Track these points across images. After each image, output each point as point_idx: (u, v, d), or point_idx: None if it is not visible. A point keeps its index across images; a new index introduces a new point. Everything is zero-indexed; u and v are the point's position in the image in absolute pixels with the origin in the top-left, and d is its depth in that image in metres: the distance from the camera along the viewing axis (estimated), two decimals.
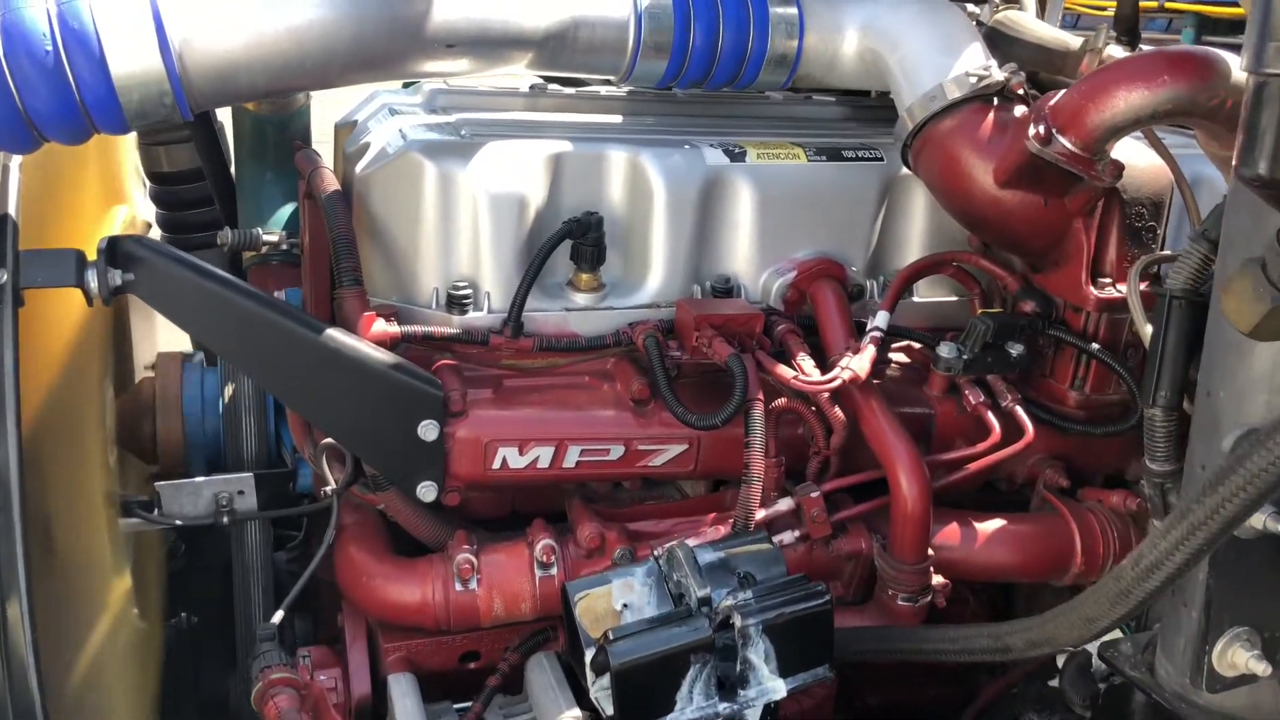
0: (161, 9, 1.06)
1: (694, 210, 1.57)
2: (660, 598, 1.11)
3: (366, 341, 1.37)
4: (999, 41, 1.69)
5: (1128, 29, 1.68)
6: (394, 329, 1.43)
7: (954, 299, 1.71)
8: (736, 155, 1.59)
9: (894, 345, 1.69)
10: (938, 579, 1.46)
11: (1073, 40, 1.64)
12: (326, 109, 1.90)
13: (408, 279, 1.52)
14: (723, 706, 1.04)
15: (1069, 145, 1.36)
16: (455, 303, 1.48)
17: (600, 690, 1.06)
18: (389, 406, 1.36)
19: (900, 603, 1.44)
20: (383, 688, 1.47)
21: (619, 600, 1.11)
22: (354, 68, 1.23)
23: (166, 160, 2.01)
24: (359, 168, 1.51)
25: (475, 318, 1.50)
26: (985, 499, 1.62)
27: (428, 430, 1.38)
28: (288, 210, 1.92)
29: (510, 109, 1.73)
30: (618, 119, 1.75)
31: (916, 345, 1.68)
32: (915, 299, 1.71)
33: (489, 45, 1.37)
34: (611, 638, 1.03)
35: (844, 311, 1.58)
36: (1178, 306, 1.19)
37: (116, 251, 1.22)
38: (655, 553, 1.17)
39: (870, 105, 1.90)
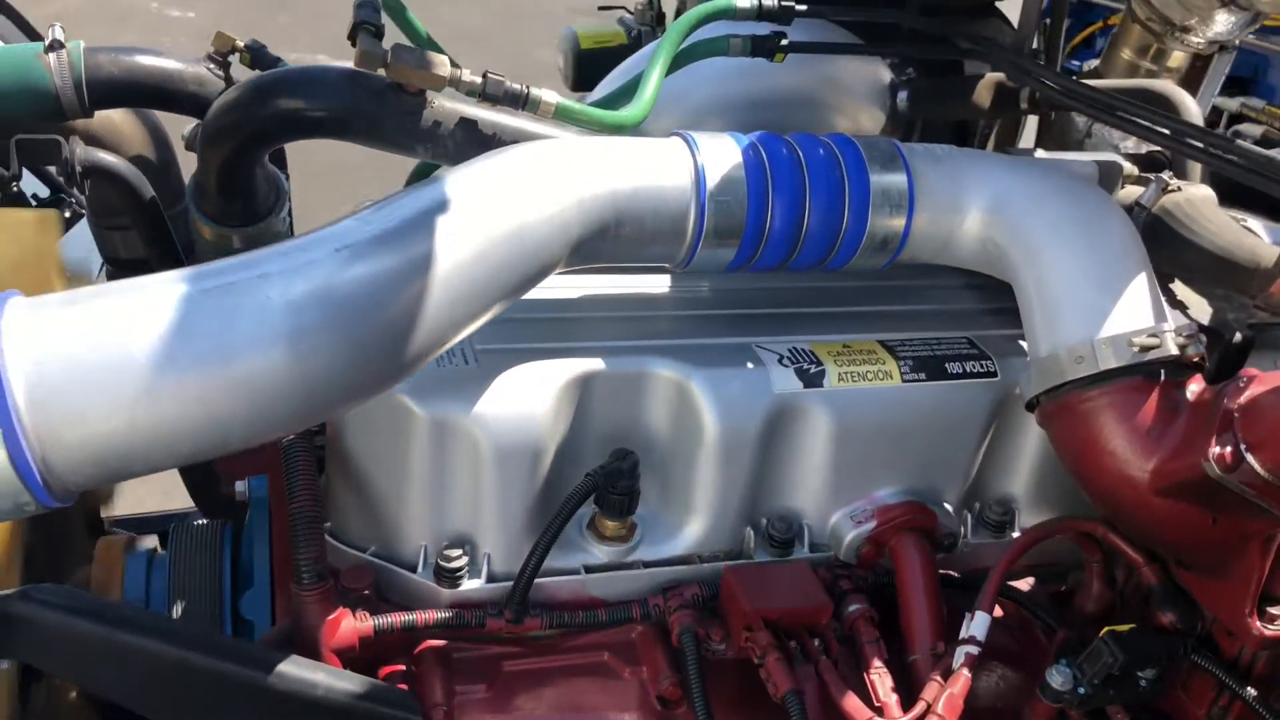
0: (11, 394, 0.73)
1: (754, 447, 1.24)
2: None
3: (326, 668, 1.08)
4: (1162, 238, 1.31)
5: None
6: (365, 626, 1.14)
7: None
8: (812, 377, 1.26)
9: None
10: None
11: (1264, 250, 1.25)
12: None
13: (390, 531, 1.22)
14: None
15: (1263, 472, 1.02)
16: (445, 575, 1.18)
17: None
18: None
19: None
20: None
21: None
22: (316, 415, 0.89)
23: (122, 247, 1.69)
24: None
25: (470, 590, 1.20)
26: None
27: None
28: None
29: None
30: (666, 286, 1.40)
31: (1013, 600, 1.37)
32: (1015, 532, 1.40)
33: (505, 294, 1.03)
34: None
35: (932, 585, 1.27)
36: None
37: None
38: None
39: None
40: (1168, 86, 1.55)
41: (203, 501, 1.60)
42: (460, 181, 1.00)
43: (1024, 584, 1.42)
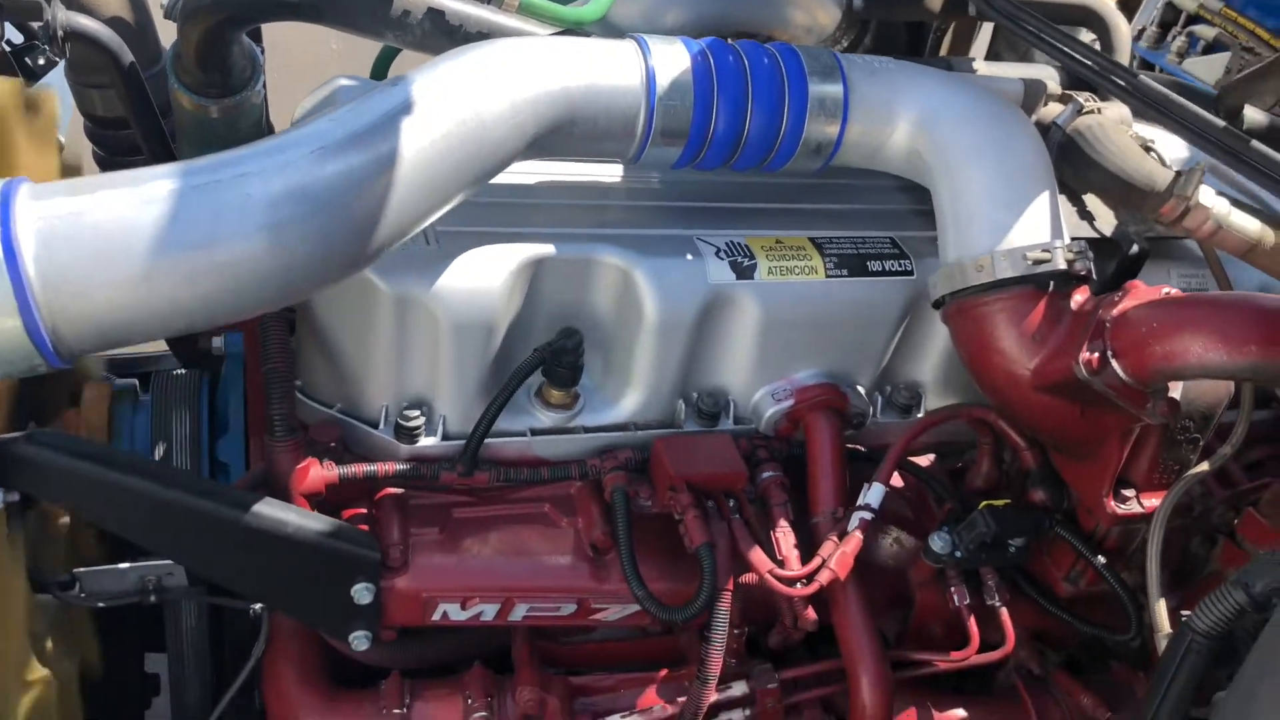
0: (25, 268, 0.84)
1: (689, 330, 1.37)
2: None
3: (296, 509, 1.23)
4: (1072, 157, 1.42)
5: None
6: (332, 473, 1.28)
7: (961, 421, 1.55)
8: (745, 270, 1.38)
9: None
10: None
11: (1160, 174, 1.37)
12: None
13: (354, 391, 1.35)
14: None
15: (1123, 376, 1.17)
16: (404, 432, 1.32)
17: None
18: (321, 575, 1.24)
19: None
20: None
21: None
22: (293, 296, 1.00)
23: (100, 104, 1.74)
24: None
25: (426, 447, 1.34)
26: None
27: (362, 594, 1.27)
28: None
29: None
30: (618, 177, 1.50)
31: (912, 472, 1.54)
32: (920, 413, 1.55)
33: (466, 184, 1.13)
34: None
35: (838, 458, 1.43)
36: (1195, 649, 1.06)
37: (5, 462, 1.05)
38: None
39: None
40: (1105, 6, 1.63)
41: (180, 353, 1.72)
42: (424, 83, 1.08)
43: (925, 460, 1.59)
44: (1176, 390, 1.22)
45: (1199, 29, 2.86)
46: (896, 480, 1.55)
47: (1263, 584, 1.02)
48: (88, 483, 1.09)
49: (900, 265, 1.45)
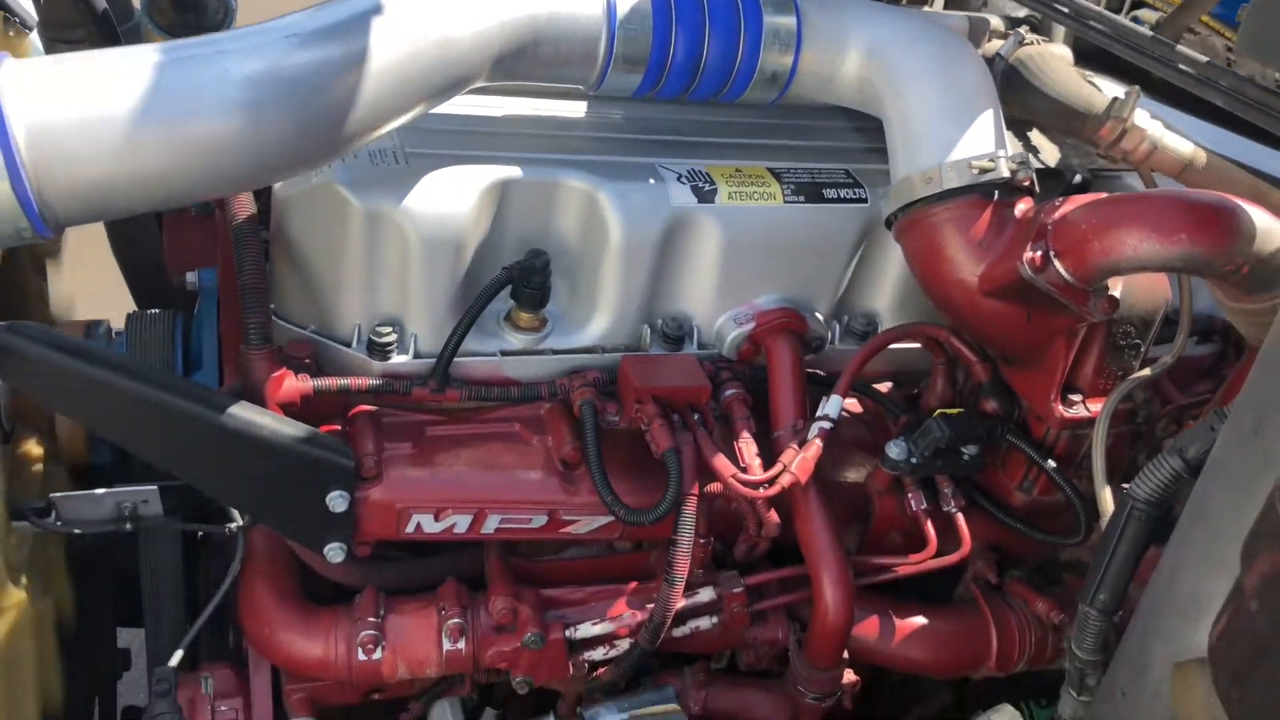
0: (12, 135, 0.87)
1: (653, 253, 1.42)
2: None
3: (271, 414, 1.26)
4: (1015, 85, 1.49)
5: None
6: (306, 385, 1.32)
7: (916, 346, 1.61)
8: (706, 194, 1.43)
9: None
10: (849, 677, 1.45)
11: (1098, 99, 1.44)
12: None
13: (327, 311, 1.39)
14: None
15: (1064, 275, 1.23)
16: (377, 349, 1.36)
17: None
18: (296, 481, 1.27)
19: (808, 700, 1.44)
20: (286, 716, 1.46)
21: None
22: (266, 175, 1.05)
23: None
24: (278, 185, 1.33)
25: (398, 364, 1.38)
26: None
27: (336, 502, 1.30)
28: None
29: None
30: (582, 112, 1.56)
31: (871, 397, 1.59)
32: None
33: (433, 92, 1.18)
34: None
35: (798, 376, 1.47)
36: (1136, 517, 1.12)
37: None
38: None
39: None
40: None
41: (144, 292, 1.75)
42: None
43: (883, 388, 1.64)
44: (1116, 288, 1.28)
45: (1142, 13, 2.98)
46: (855, 406, 1.61)
47: (1195, 449, 1.08)
48: (65, 375, 1.12)
49: (854, 194, 1.51)
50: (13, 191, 0.89)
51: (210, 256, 1.60)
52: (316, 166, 1.09)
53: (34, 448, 1.58)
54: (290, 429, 1.26)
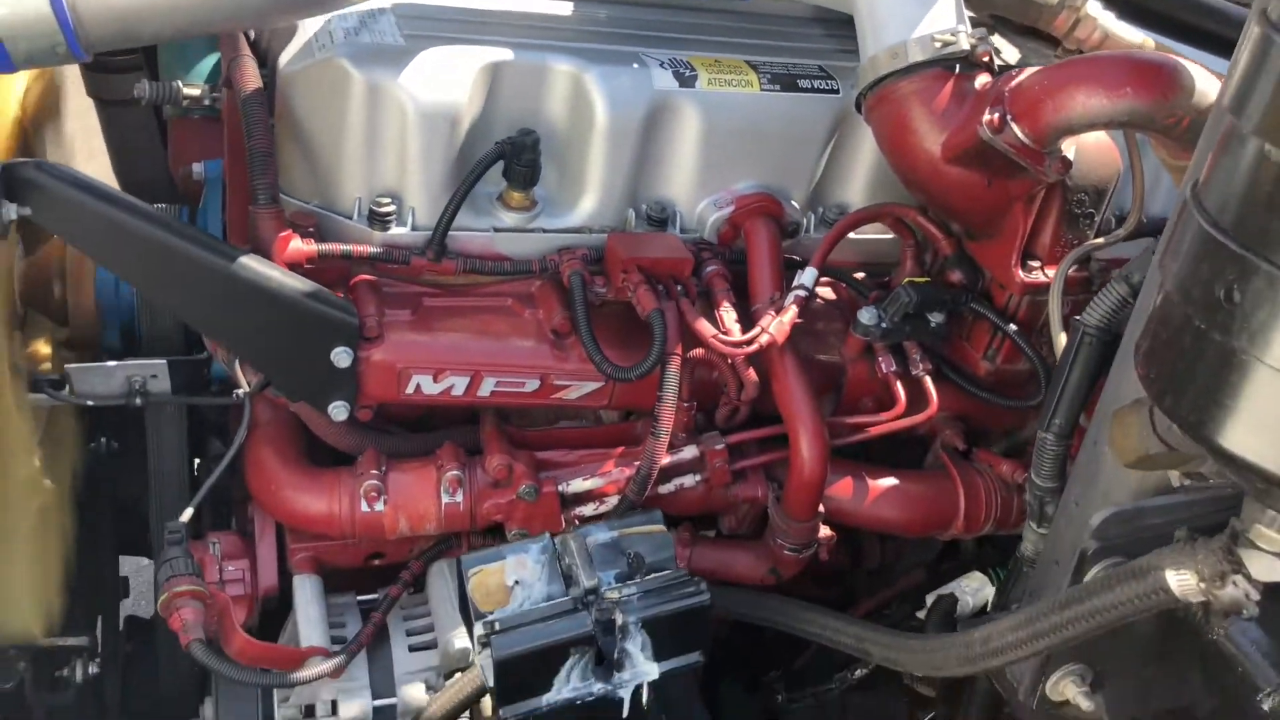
0: None
1: (636, 135, 1.51)
2: (551, 576, 1.17)
3: (279, 268, 1.34)
4: None
5: None
6: (310, 247, 1.39)
7: (889, 237, 1.69)
8: (686, 79, 1.52)
9: (822, 279, 1.68)
10: (825, 531, 1.54)
11: None
12: None
13: (330, 185, 1.46)
14: (597, 687, 1.13)
15: (1021, 136, 1.32)
16: (377, 218, 1.44)
17: (484, 661, 1.13)
18: (301, 334, 1.35)
19: (786, 552, 1.52)
20: (289, 579, 1.54)
21: (511, 577, 1.16)
22: (280, 11, 1.13)
23: None
24: (283, 61, 1.41)
25: (398, 235, 1.46)
26: (884, 443, 1.68)
27: (340, 358, 1.38)
28: (211, 61, 1.79)
29: None
30: (569, 10, 1.64)
31: (843, 284, 1.68)
32: (850, 235, 1.69)
33: None
34: (498, 627, 1.09)
35: (775, 255, 1.56)
36: (1088, 342, 1.21)
37: (13, 181, 1.15)
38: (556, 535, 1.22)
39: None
40: None
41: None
42: None
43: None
44: (1070, 150, 1.38)
45: None
46: (828, 293, 1.70)
47: (1139, 275, 1.17)
48: (88, 214, 1.19)
49: (828, 85, 1.60)
50: (51, 9, 0.97)
51: (214, 153, 1.67)
52: (329, 10, 1.17)
53: (45, 332, 1.65)
54: (297, 283, 1.33)
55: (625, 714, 1.15)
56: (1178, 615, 0.96)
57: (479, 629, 1.11)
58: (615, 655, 1.12)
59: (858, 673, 1.58)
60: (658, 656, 1.14)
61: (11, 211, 1.14)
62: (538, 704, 1.11)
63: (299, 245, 1.38)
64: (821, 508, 1.51)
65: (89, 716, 1.77)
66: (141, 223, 1.22)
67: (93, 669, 1.73)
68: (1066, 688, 1.14)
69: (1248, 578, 0.81)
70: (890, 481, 1.59)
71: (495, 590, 1.16)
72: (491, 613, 1.13)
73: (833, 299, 1.70)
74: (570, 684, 1.11)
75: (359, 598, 1.56)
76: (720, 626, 1.81)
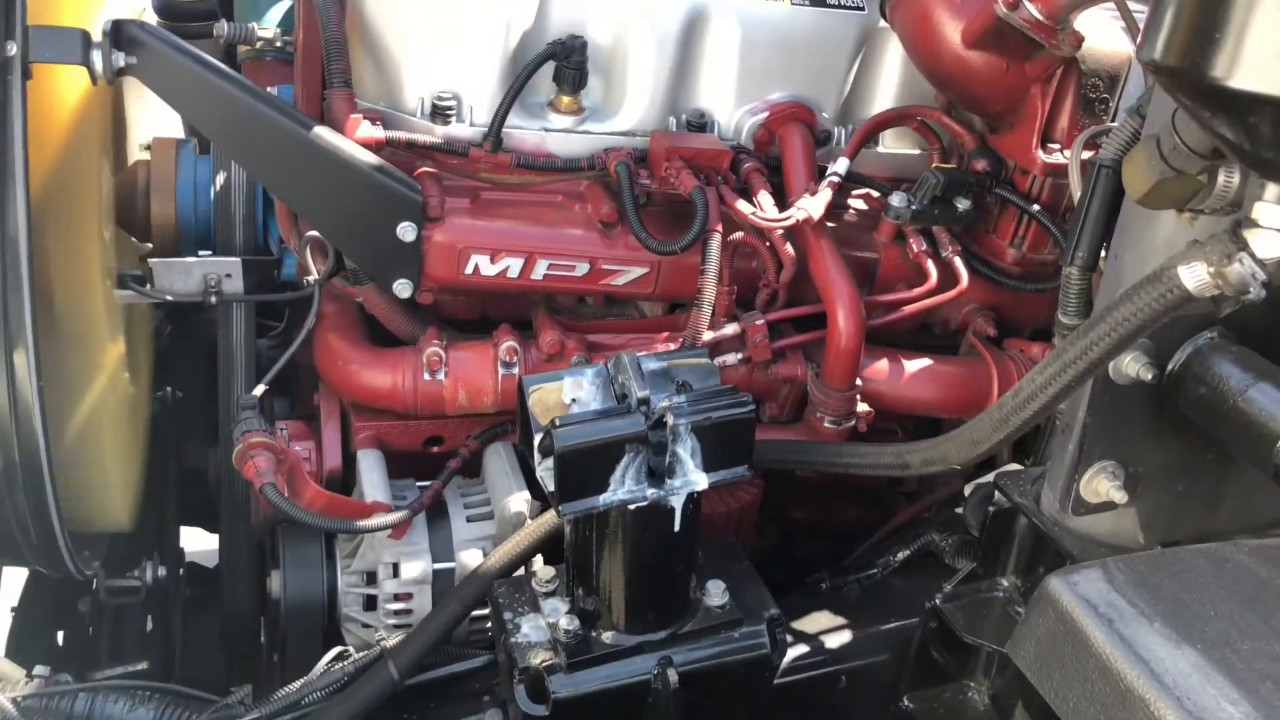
0: None
1: (675, 44, 1.62)
2: (605, 396, 1.24)
3: (352, 142, 1.45)
4: None
5: None
6: (379, 133, 1.51)
7: (915, 152, 1.79)
8: None
9: (854, 192, 1.78)
10: (862, 407, 1.60)
11: None
12: None
13: (395, 86, 1.59)
14: (650, 491, 1.19)
15: (1035, 12, 1.42)
16: (439, 113, 1.56)
17: (545, 470, 1.20)
18: (370, 205, 1.45)
19: (826, 425, 1.59)
20: (352, 463, 1.62)
21: (569, 395, 1.23)
22: None
23: None
24: None
25: (457, 129, 1.57)
26: (920, 341, 1.75)
27: (406, 231, 1.48)
28: (284, 7, 1.95)
29: None
30: None
31: (875, 194, 1.77)
32: (879, 149, 1.79)
33: None
34: (558, 424, 1.16)
35: (809, 155, 1.66)
36: (1105, 175, 1.28)
37: (121, 34, 1.28)
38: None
39: None
40: None
41: None
42: None
43: None
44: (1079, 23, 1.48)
45: None
46: (861, 204, 1.79)
47: (1148, 106, 1.25)
48: (184, 73, 1.32)
49: (854, 3, 1.72)
50: None
51: (284, 74, 1.81)
52: None
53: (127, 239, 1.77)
54: (368, 157, 1.45)
55: (676, 527, 1.22)
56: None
57: (539, 438, 1.18)
58: (667, 460, 1.19)
59: (900, 555, 1.62)
60: (706, 466, 1.21)
61: (120, 59, 1.27)
62: (594, 503, 1.17)
63: (369, 130, 1.50)
64: (860, 384, 1.58)
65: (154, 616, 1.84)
66: (231, 87, 1.35)
67: (161, 571, 1.81)
68: (1100, 484, 1.19)
69: (1252, 255, 0.87)
70: (925, 363, 1.66)
71: (553, 407, 1.23)
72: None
73: (864, 208, 1.79)
74: (625, 485, 1.18)
75: (418, 483, 1.64)
76: (767, 530, 1.86)
